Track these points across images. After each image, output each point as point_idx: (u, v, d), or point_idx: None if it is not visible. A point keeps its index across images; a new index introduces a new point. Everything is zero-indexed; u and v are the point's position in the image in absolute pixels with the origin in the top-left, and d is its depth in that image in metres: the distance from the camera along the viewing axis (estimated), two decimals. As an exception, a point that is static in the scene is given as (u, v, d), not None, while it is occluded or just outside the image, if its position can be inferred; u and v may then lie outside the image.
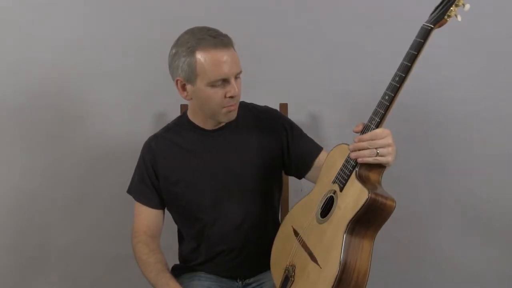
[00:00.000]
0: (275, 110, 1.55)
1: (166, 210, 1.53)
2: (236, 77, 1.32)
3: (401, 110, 1.82)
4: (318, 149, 1.47)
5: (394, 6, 1.79)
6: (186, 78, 1.32)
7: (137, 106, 1.88)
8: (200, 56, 1.28)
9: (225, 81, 1.30)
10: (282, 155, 1.48)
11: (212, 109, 1.36)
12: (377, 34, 1.81)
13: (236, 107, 1.37)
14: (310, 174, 1.46)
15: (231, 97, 1.32)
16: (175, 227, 1.57)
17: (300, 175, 1.50)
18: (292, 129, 1.49)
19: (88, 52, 1.83)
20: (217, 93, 1.31)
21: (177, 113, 1.73)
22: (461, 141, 1.88)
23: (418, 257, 1.99)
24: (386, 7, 1.80)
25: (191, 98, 1.37)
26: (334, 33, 1.83)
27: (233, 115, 1.38)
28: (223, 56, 1.28)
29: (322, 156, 1.45)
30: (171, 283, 1.35)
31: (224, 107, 1.34)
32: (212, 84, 1.30)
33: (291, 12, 1.82)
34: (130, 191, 1.51)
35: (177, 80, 1.35)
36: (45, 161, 1.90)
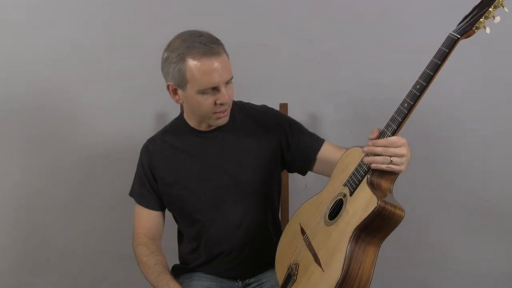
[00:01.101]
0: (272, 109, 1.54)
1: (166, 211, 1.53)
2: (228, 83, 1.32)
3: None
4: (319, 142, 1.46)
5: (394, 7, 1.79)
6: (177, 84, 1.33)
7: (137, 106, 1.88)
8: (190, 63, 1.28)
9: (215, 88, 1.30)
10: (281, 153, 1.47)
11: (202, 114, 1.37)
12: (377, 34, 1.81)
13: (227, 113, 1.37)
14: (315, 167, 1.45)
15: (222, 104, 1.32)
16: (175, 227, 1.57)
17: (304, 171, 1.49)
18: (291, 126, 1.48)
19: (88, 52, 1.83)
20: (207, 100, 1.31)
21: (177, 113, 1.72)
22: (461, 141, 1.88)
23: (418, 257, 1.99)
24: (386, 7, 1.80)
25: (183, 102, 1.38)
26: (334, 33, 1.83)
27: (224, 121, 1.39)
28: (213, 64, 1.27)
29: (325, 148, 1.44)
30: (171, 284, 1.35)
31: (215, 112, 1.34)
32: (202, 92, 1.30)
33: (291, 12, 1.82)
34: (131, 193, 1.52)
35: (168, 85, 1.36)
36: (45, 161, 1.90)
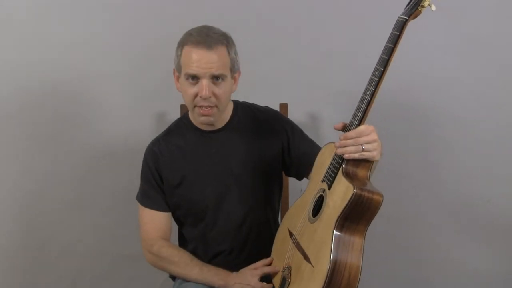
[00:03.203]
0: (276, 111, 1.55)
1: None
2: (215, 79, 1.32)
3: (400, 110, 1.84)
4: (318, 150, 1.46)
5: (395, 6, 1.79)
6: (176, 69, 1.37)
7: (137, 106, 1.88)
8: (184, 49, 1.32)
9: (197, 78, 1.32)
10: (282, 156, 1.48)
11: (188, 104, 1.39)
12: (377, 34, 1.80)
13: (210, 113, 1.36)
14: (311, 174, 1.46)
15: (201, 97, 1.32)
16: (175, 228, 1.56)
17: (300, 176, 1.50)
18: (293, 130, 1.49)
19: (88, 52, 1.83)
20: (190, 89, 1.33)
21: (177, 113, 1.73)
22: (461, 141, 1.88)
23: (417, 257, 1.99)
24: (386, 8, 1.79)
25: (181, 91, 1.40)
26: (334, 33, 1.83)
27: (206, 120, 1.38)
28: (199, 53, 1.29)
29: None
30: (221, 272, 1.37)
31: (196, 106, 1.35)
32: (186, 77, 1.33)
33: (291, 12, 1.82)
34: (141, 201, 1.48)
35: (173, 69, 1.40)
36: (45, 161, 1.90)
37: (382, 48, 1.79)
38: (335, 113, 1.89)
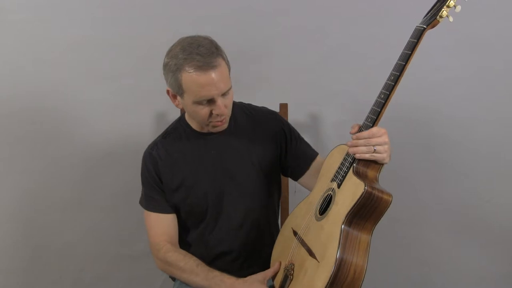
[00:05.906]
0: (274, 112, 1.55)
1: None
2: (225, 93, 1.31)
3: (402, 111, 1.84)
4: (314, 154, 1.48)
5: (395, 8, 1.79)
6: (175, 91, 1.33)
7: (137, 106, 1.89)
8: (185, 75, 1.27)
9: (211, 100, 1.30)
10: (280, 157, 1.49)
11: (199, 122, 1.38)
12: (377, 35, 1.81)
13: (224, 121, 1.37)
14: (304, 178, 1.47)
15: (217, 114, 1.33)
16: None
17: (296, 177, 1.51)
18: (290, 132, 1.49)
19: (88, 52, 1.83)
20: (203, 110, 1.32)
21: (177, 112, 1.73)
22: (461, 142, 1.88)
23: (418, 257, 2.00)
24: (386, 8, 1.80)
25: (182, 107, 1.39)
26: (334, 34, 1.83)
27: (221, 128, 1.39)
28: (208, 77, 1.26)
29: (317, 161, 1.46)
30: (225, 278, 1.34)
31: (211, 121, 1.35)
32: (198, 103, 1.30)
33: (291, 13, 1.82)
34: (145, 206, 1.48)
35: (167, 90, 1.37)
36: (45, 161, 1.90)
37: (382, 48, 1.81)
38: (335, 113, 1.90)
